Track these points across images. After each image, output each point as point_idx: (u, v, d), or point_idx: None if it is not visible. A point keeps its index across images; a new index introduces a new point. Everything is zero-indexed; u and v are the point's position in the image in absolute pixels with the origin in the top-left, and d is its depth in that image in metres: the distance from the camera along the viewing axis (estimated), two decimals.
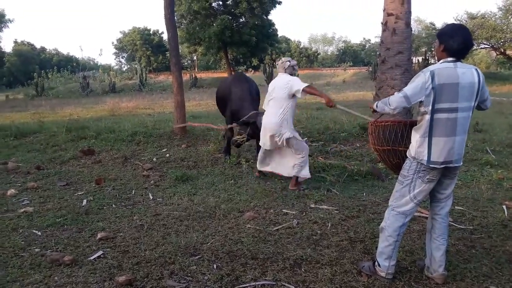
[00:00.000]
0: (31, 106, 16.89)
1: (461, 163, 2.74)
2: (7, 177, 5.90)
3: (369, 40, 64.97)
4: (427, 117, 2.63)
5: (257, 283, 2.87)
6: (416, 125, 2.76)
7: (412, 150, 2.75)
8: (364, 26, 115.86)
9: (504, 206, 4.22)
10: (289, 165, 4.99)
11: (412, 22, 7.31)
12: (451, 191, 2.86)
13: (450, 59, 2.64)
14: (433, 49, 37.00)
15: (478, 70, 2.65)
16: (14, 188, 5.26)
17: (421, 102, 2.65)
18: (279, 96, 4.85)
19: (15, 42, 51.95)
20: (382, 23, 7.17)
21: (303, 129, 8.38)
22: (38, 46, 55.62)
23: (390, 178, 5.31)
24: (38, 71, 30.48)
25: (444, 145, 2.61)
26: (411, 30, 7.33)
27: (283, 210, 4.31)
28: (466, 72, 2.59)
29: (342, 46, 68.94)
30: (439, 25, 39.53)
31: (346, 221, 3.99)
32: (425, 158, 2.65)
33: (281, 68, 4.99)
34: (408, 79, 7.07)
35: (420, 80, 2.61)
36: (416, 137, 2.73)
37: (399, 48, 6.91)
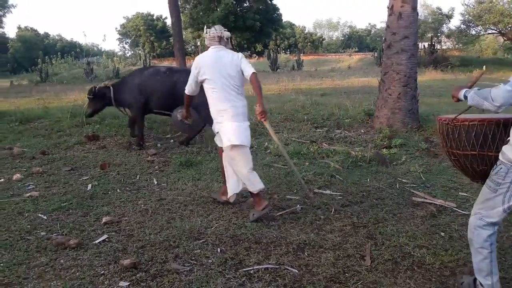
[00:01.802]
0: (36, 91, 16.89)
1: None
2: (12, 162, 5.94)
3: (375, 25, 64.37)
4: None
5: (260, 266, 2.90)
6: None
7: (510, 154, 2.18)
8: (370, 11, 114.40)
9: None
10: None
11: (418, 6, 7.20)
12: None
13: None
14: (439, 34, 36.55)
15: None
16: (20, 173, 5.30)
17: None
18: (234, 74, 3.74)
19: (19, 27, 51.93)
20: (388, 7, 7.07)
21: (308, 115, 8.34)
22: (41, 32, 55.63)
23: (395, 164, 5.29)
24: (42, 57, 30.41)
25: None
26: (418, 15, 7.23)
27: (287, 196, 4.32)
28: None
29: (347, 31, 68.27)
30: (445, 10, 38.94)
31: (350, 206, 4.00)
32: None
33: (216, 39, 3.78)
34: (414, 65, 7.02)
35: None
36: None
37: (405, 32, 6.82)
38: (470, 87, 2.37)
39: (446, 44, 35.10)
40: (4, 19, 34.04)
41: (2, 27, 32.49)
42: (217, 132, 3.83)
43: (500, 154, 2.26)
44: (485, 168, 2.44)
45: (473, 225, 2.37)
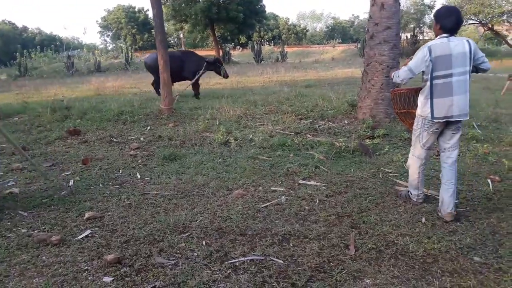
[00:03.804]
0: (15, 86, 16.52)
1: (466, 118, 3.32)
2: None
3: (358, 16, 64.68)
4: (428, 83, 3.28)
5: (246, 258, 2.89)
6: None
7: (419, 110, 3.44)
8: (353, 2, 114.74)
9: (489, 180, 4.28)
10: None
11: None
12: (456, 142, 3.45)
13: (444, 35, 3.25)
14: (421, 25, 36.94)
15: (470, 40, 3.25)
16: None
17: (423, 71, 3.30)
18: None
19: None
20: None
21: (292, 107, 8.35)
22: (19, 25, 54.14)
23: (378, 154, 5.34)
24: (21, 50, 29.74)
25: (443, 104, 3.25)
26: (400, 5, 7.25)
27: (272, 188, 4.32)
28: (458, 44, 3.20)
29: (331, 22, 68.44)
30: (428, 0, 39.34)
31: (334, 196, 4.02)
32: (429, 115, 3.31)
33: None
34: (397, 55, 7.05)
35: (420, 54, 3.27)
36: (421, 99, 3.41)
37: (388, 23, 6.84)
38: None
39: (428, 34, 35.49)
40: None
41: None
42: None
43: (416, 110, 3.50)
44: (412, 121, 3.64)
45: (409, 158, 3.71)
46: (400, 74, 3.41)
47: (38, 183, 4.71)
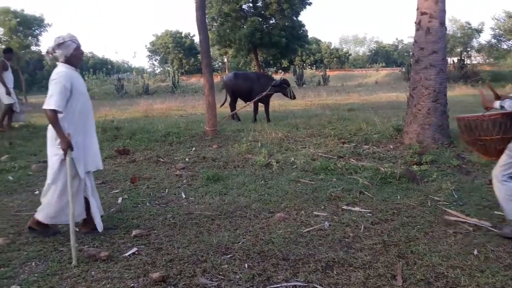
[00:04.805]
0: None
1: None
2: (45, 175, 6.13)
3: (402, 40, 63.60)
4: None
5: (288, 283, 2.87)
6: None
7: None
8: (397, 26, 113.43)
9: None
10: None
11: (446, 21, 7.11)
12: None
13: None
14: (469, 49, 35.80)
15: None
16: None
17: None
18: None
19: None
20: (415, 22, 7.00)
21: (334, 130, 8.29)
22: None
23: (425, 181, 5.16)
24: None
25: None
26: (446, 29, 7.12)
27: (314, 212, 4.27)
28: None
29: (374, 46, 67.85)
30: (475, 24, 38.15)
31: (380, 224, 3.92)
32: None
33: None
34: (444, 80, 6.90)
35: None
36: None
37: (433, 47, 6.73)
38: (498, 98, 3.47)
39: (476, 58, 34.27)
40: (40, 38, 35.61)
41: (39, 45, 33.92)
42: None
43: None
44: (504, 147, 3.49)
45: (497, 184, 3.46)
46: None
47: None
